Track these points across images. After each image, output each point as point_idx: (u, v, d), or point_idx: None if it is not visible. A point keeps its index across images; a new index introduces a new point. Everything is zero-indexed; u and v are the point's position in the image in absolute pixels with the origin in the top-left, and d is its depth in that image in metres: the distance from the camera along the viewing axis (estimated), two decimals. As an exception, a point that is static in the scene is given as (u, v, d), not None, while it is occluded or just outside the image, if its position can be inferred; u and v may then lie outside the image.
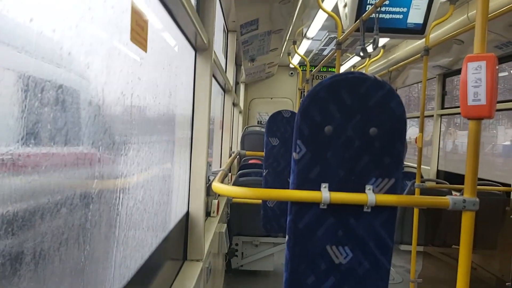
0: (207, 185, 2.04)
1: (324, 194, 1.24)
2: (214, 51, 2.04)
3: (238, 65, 5.52)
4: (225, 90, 3.74)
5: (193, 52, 1.82)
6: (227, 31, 3.84)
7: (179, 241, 1.68)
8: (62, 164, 0.67)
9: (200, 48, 1.81)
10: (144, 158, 1.13)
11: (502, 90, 4.99)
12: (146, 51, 1.05)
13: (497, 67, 1.27)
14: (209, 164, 2.49)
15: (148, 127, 1.19)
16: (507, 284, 3.55)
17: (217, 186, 1.38)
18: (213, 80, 2.69)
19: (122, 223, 0.97)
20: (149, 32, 1.07)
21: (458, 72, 5.06)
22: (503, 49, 3.75)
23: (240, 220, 3.94)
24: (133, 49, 0.98)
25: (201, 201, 1.77)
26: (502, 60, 4.01)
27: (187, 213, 1.76)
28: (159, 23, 1.32)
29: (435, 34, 3.95)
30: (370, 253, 1.27)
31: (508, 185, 3.67)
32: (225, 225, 2.81)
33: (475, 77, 1.27)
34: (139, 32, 1.02)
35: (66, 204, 0.68)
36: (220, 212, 2.66)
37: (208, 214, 2.52)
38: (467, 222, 1.29)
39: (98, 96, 0.78)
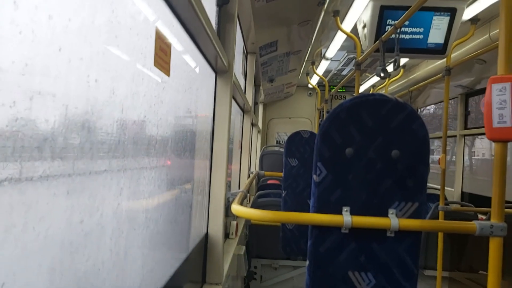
0: (226, 206, 2.03)
1: (346, 218, 1.22)
2: (234, 73, 2.07)
3: (257, 85, 5.58)
4: (244, 110, 3.77)
5: (213, 74, 1.85)
6: (246, 52, 3.90)
7: (198, 263, 1.67)
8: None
9: (221, 70, 1.84)
10: (164, 180, 1.14)
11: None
12: (168, 76, 1.08)
13: (523, 88, 1.24)
14: (228, 185, 2.49)
15: (168, 147, 1.20)
16: (539, 313, 3.37)
17: (236, 208, 1.37)
18: (233, 101, 2.72)
19: (144, 242, 0.97)
20: (172, 56, 1.09)
21: (481, 91, 4.96)
22: (527, 69, 3.66)
23: (259, 242, 3.89)
24: (156, 72, 1.01)
25: (220, 222, 1.76)
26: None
27: (206, 235, 1.76)
28: (181, 47, 1.35)
29: (456, 53, 3.91)
30: (394, 279, 1.23)
31: (538, 208, 3.52)
32: (244, 247, 2.78)
33: (499, 99, 1.24)
34: (162, 57, 1.05)
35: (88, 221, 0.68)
36: (239, 234, 2.64)
37: (227, 235, 2.50)
38: (495, 247, 1.24)
39: (122, 119, 0.80)
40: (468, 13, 3.35)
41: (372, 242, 1.23)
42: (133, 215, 0.89)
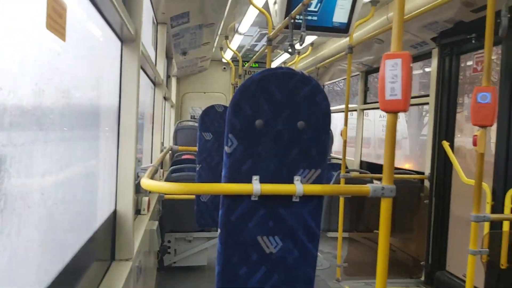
0: (136, 182, 1.97)
1: (255, 186, 1.26)
2: (142, 43, 1.96)
3: (169, 58, 5.38)
4: (155, 83, 3.62)
5: (119, 43, 1.73)
6: (156, 22, 3.72)
7: (106, 241, 1.60)
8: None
9: (127, 39, 1.73)
10: (63, 155, 1.06)
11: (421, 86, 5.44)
12: (64, 40, 0.98)
13: (411, 65, 1.39)
14: (138, 160, 2.40)
15: (68, 121, 1.11)
16: (421, 263, 3.92)
17: (146, 182, 1.34)
18: (142, 72, 2.59)
19: (40, 224, 0.90)
20: (68, 20, 1.00)
21: (379, 70, 5.42)
22: (417, 49, 4.09)
23: (173, 216, 3.87)
24: (51, 37, 0.91)
25: (130, 198, 1.71)
26: (417, 58, 4.37)
27: (115, 212, 1.69)
28: (81, 11, 1.24)
29: (358, 33, 4.19)
30: (299, 241, 1.32)
31: (422, 173, 4.04)
32: (157, 222, 2.74)
33: (392, 74, 1.37)
34: (56, 19, 0.95)
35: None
36: (151, 210, 2.58)
37: (138, 211, 2.44)
38: (385, 207, 1.39)
39: (7, 88, 0.72)
40: (369, -6, 3.60)
41: (280, 208, 1.31)
42: (25, 191, 0.82)
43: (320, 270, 4.27)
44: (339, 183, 3.86)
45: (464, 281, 2.63)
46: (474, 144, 2.20)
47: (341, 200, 3.82)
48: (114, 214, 1.68)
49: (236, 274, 1.30)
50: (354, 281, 3.88)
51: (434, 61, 3.89)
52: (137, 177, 2.20)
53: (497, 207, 3.02)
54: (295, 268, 1.33)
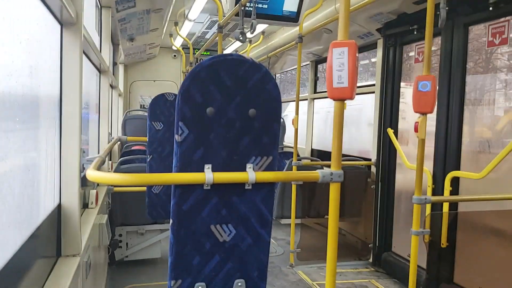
0: (82, 174, 1.87)
1: (208, 175, 1.25)
2: (85, 27, 1.86)
3: (115, 44, 5.15)
4: (100, 70, 3.45)
5: (58, 27, 1.62)
6: (100, 6, 3.53)
7: (51, 236, 1.52)
8: None
9: (67, 22, 1.62)
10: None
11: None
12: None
13: (358, 54, 1.43)
14: (83, 151, 2.29)
15: (1, 111, 1.03)
16: (369, 245, 4.13)
17: (92, 174, 1.27)
18: (85, 58, 2.45)
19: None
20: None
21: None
22: (364, 39, 4.23)
23: (123, 209, 3.75)
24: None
25: (75, 191, 1.62)
26: (364, 48, 4.53)
27: (59, 205, 1.60)
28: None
29: (308, 23, 4.26)
30: (252, 228, 1.33)
31: (369, 160, 4.22)
32: (106, 216, 2.64)
33: (339, 62, 1.40)
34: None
35: None
36: (99, 203, 2.48)
37: (86, 205, 2.33)
38: (334, 192, 1.44)
39: None
40: (318, -16, 3.65)
41: (232, 196, 1.30)
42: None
43: (274, 256, 4.35)
44: (292, 171, 3.93)
45: (408, 261, 2.80)
46: (416, 130, 2.33)
47: (293, 187, 3.90)
48: (59, 208, 1.59)
49: (189, 264, 1.29)
50: (307, 266, 4.00)
51: (379, 51, 4.04)
52: (83, 169, 2.10)
53: (437, 190, 3.24)
54: (249, 255, 1.34)
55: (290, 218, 4.01)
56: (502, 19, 2.84)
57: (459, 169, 3.11)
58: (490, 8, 2.83)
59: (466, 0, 2.97)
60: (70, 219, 1.60)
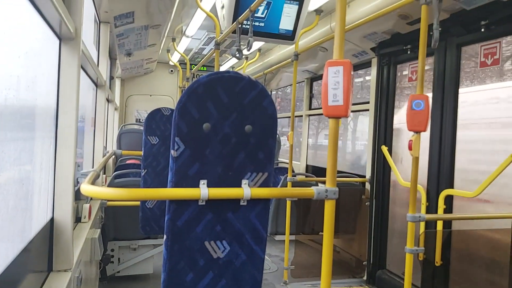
0: (76, 188, 1.86)
1: (203, 191, 1.25)
2: (83, 42, 1.88)
3: (112, 59, 5.19)
4: (97, 84, 3.47)
5: (57, 41, 1.64)
6: (99, 21, 3.57)
7: (43, 250, 1.50)
8: None
9: (66, 37, 1.64)
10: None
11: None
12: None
13: (352, 73, 1.45)
14: (78, 165, 2.28)
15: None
16: (364, 263, 4.10)
17: (86, 188, 1.27)
18: (83, 73, 2.47)
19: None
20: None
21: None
22: (359, 58, 4.30)
23: (116, 224, 3.71)
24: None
25: (69, 205, 1.61)
26: (358, 67, 4.59)
27: (52, 219, 1.59)
28: (13, 5, 1.15)
29: (303, 41, 4.32)
30: (246, 244, 1.33)
31: (364, 177, 4.23)
32: (99, 230, 2.61)
33: (334, 80, 1.43)
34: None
35: None
36: (92, 217, 2.46)
37: (78, 219, 2.31)
38: (329, 209, 1.44)
39: None
40: (314, 4, 3.73)
41: (227, 212, 1.30)
42: None
43: (267, 273, 4.31)
44: (286, 187, 3.93)
45: (403, 279, 2.78)
46: (410, 148, 2.35)
47: (288, 203, 3.90)
48: (52, 222, 1.58)
49: (183, 280, 1.28)
50: (301, 283, 3.96)
51: (374, 70, 4.10)
52: (77, 183, 2.08)
53: (431, 207, 3.24)
54: (243, 271, 1.33)
55: (284, 234, 3.99)
56: (494, 40, 2.91)
57: (452, 187, 3.13)
58: (482, 30, 2.90)
59: (459, 21, 3.03)
60: (62, 234, 1.59)
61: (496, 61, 2.92)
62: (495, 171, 2.56)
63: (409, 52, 3.60)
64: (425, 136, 3.20)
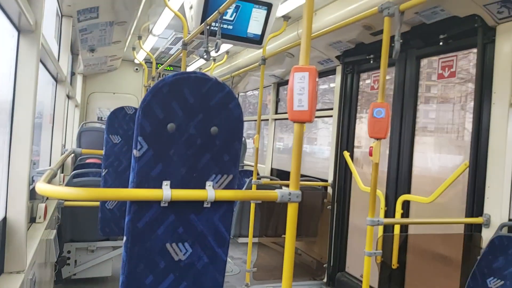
0: (31, 187, 1.78)
1: (165, 192, 1.23)
2: (43, 35, 1.80)
3: (74, 54, 5.01)
4: (57, 80, 3.33)
5: (15, 33, 1.57)
6: (61, 15, 3.44)
7: (-7, 252, 1.43)
8: None
9: (25, 29, 1.57)
10: None
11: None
12: None
13: (317, 79, 1.48)
14: (34, 163, 2.18)
15: None
16: (324, 265, 4.18)
17: (41, 187, 1.22)
18: (42, 67, 2.37)
19: None
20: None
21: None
22: (324, 65, 4.39)
23: (74, 225, 3.58)
24: None
25: (23, 204, 1.54)
26: (324, 74, 4.69)
27: (4, 219, 1.51)
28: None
29: (271, 46, 4.36)
30: (209, 247, 1.32)
31: (326, 181, 4.33)
32: (55, 231, 2.51)
33: (300, 86, 1.45)
34: None
35: None
36: (48, 217, 2.36)
37: (33, 220, 2.21)
38: (292, 211, 1.46)
39: None
40: (282, 10, 3.78)
41: (190, 214, 1.29)
42: None
43: (230, 275, 4.30)
44: (251, 189, 3.94)
45: (361, 281, 2.86)
46: (370, 154, 2.43)
47: (252, 206, 3.91)
48: (4, 222, 1.50)
49: (142, 283, 1.25)
50: (262, 286, 3.98)
51: (338, 78, 4.21)
52: (32, 181, 1.99)
53: (389, 212, 3.36)
54: (204, 274, 1.32)
55: (247, 237, 3.99)
56: (451, 54, 3.07)
57: (409, 193, 3.26)
58: (440, 43, 3.05)
59: (419, 34, 3.18)
60: (15, 234, 1.51)
61: (452, 74, 3.08)
62: (449, 179, 2.69)
63: (372, 62, 3.72)
64: (385, 142, 3.31)
